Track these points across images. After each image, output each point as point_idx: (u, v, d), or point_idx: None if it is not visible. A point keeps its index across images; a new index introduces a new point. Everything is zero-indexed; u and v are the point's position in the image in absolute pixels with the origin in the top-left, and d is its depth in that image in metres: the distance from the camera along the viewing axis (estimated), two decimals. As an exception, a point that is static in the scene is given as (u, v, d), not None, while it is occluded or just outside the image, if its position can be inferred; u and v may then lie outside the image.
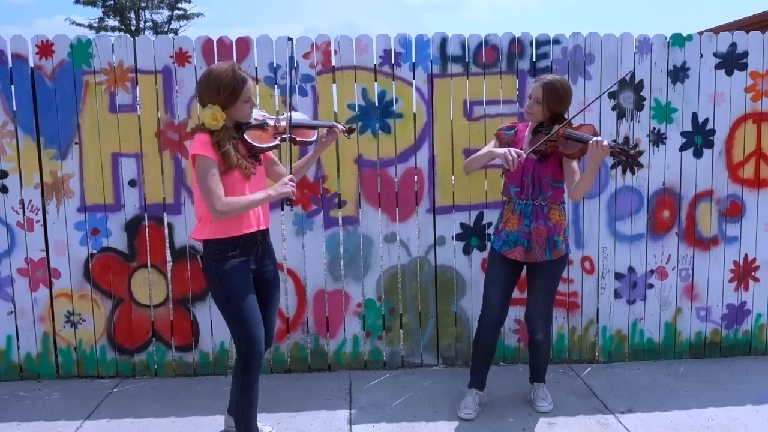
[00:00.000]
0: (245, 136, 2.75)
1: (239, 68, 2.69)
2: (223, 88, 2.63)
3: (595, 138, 2.96)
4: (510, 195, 3.22)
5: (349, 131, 3.11)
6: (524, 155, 3.03)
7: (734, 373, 3.81)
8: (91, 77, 3.62)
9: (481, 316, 3.28)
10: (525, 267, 3.31)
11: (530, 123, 3.26)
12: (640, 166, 3.85)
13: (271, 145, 2.82)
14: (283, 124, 2.87)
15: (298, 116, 3.01)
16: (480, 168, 3.43)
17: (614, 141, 3.46)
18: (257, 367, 2.74)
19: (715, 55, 3.83)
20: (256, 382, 2.77)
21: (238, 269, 2.72)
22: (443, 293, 3.91)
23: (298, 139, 2.92)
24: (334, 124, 3.08)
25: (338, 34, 3.72)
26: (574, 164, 3.18)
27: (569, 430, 3.15)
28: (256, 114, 2.86)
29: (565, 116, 3.19)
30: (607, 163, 3.85)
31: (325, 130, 3.06)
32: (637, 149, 2.99)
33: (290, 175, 2.75)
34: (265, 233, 2.88)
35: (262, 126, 2.81)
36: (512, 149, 3.04)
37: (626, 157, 2.97)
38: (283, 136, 2.84)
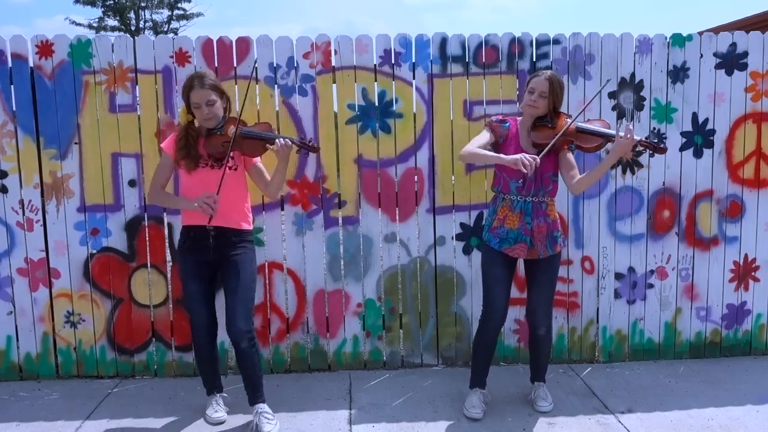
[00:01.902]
0: (206, 137, 3.08)
1: (202, 76, 3.04)
2: (182, 92, 3.09)
3: (625, 129, 2.97)
4: (509, 190, 3.17)
5: (305, 148, 3.08)
6: (538, 160, 2.98)
7: (734, 373, 3.81)
8: (91, 77, 3.62)
9: (484, 318, 3.25)
10: (522, 263, 3.31)
11: (521, 118, 3.24)
12: (640, 166, 3.85)
13: (214, 150, 3.07)
14: (232, 131, 3.06)
15: (255, 128, 3.14)
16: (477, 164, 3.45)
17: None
18: (199, 343, 3.22)
19: (715, 55, 3.83)
20: (199, 356, 3.29)
21: (183, 259, 3.18)
22: (443, 293, 3.91)
23: (242, 149, 3.10)
24: (281, 141, 3.03)
25: (338, 34, 3.72)
26: (570, 157, 3.19)
27: (569, 430, 3.15)
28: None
29: (562, 111, 3.21)
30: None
31: (274, 148, 3.05)
32: (662, 144, 3.01)
33: (212, 193, 2.99)
34: (221, 232, 3.10)
35: (217, 132, 3.07)
36: (525, 155, 2.97)
37: (653, 150, 3.01)
38: (225, 142, 3.05)
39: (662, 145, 3.00)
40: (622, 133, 2.98)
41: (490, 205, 3.32)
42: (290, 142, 3.06)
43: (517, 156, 2.99)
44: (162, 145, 3.21)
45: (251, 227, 3.27)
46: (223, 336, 3.77)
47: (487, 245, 3.27)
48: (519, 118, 3.27)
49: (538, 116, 3.16)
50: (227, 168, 3.06)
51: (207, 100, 3.00)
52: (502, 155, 3.09)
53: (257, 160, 3.22)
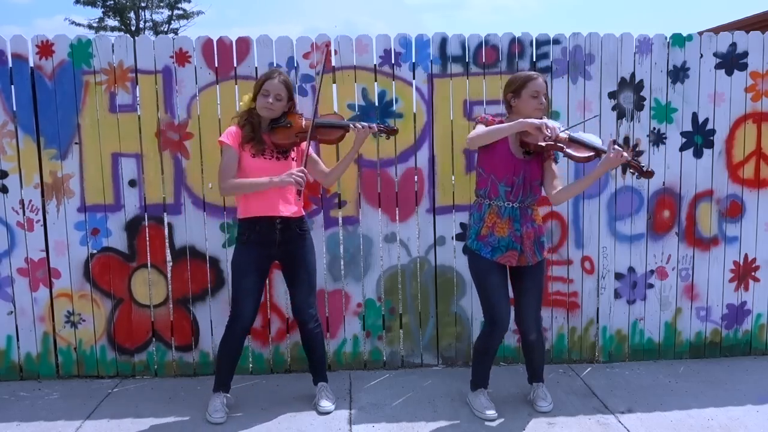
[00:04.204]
0: (271, 132, 3.19)
1: (277, 71, 3.22)
2: (258, 80, 3.24)
3: (616, 146, 2.95)
4: (498, 194, 3.10)
5: (385, 131, 3.28)
6: (558, 130, 2.96)
7: (734, 373, 3.81)
8: (91, 77, 3.62)
9: (491, 328, 3.19)
10: (509, 270, 3.25)
11: (508, 119, 3.17)
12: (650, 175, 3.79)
13: (288, 141, 3.19)
14: (305, 123, 3.18)
15: (327, 118, 3.33)
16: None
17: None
18: (234, 332, 3.27)
19: (715, 55, 3.83)
20: (227, 345, 3.28)
21: (245, 252, 3.23)
22: (443, 293, 3.91)
23: (318, 137, 3.25)
24: (361, 125, 3.23)
25: (338, 34, 3.72)
26: (554, 166, 3.17)
27: (569, 430, 3.15)
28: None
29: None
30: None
31: (354, 131, 3.23)
32: (649, 168, 3.02)
33: (302, 167, 3.12)
34: (287, 221, 3.21)
35: (286, 125, 3.20)
36: (549, 120, 2.95)
37: (639, 173, 3.01)
38: (302, 134, 3.18)
39: (649, 170, 2.99)
40: (618, 148, 2.95)
41: (474, 211, 3.24)
42: (373, 126, 3.23)
43: (542, 120, 2.95)
44: (222, 139, 3.20)
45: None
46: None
47: (476, 254, 3.17)
48: (503, 120, 3.20)
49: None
50: (291, 159, 3.22)
51: (277, 93, 3.17)
52: (522, 120, 2.97)
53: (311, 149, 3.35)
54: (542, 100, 3.09)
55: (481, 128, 3.09)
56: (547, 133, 2.93)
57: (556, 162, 3.24)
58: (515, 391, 3.56)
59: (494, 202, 3.12)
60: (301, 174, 3.10)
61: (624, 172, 3.85)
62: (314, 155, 3.40)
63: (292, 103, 3.29)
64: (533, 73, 3.16)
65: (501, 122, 3.15)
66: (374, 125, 3.25)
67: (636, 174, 3.05)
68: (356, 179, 3.79)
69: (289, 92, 3.23)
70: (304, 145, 3.24)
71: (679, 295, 3.99)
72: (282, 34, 3.95)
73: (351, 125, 3.23)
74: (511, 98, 3.16)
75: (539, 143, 2.99)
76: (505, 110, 3.25)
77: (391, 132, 3.30)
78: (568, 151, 3.04)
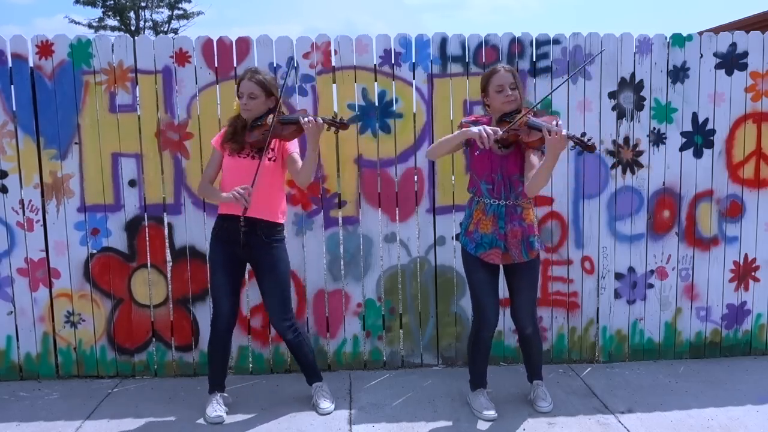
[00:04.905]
0: (249, 131, 3.19)
1: (255, 71, 3.21)
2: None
3: (553, 128, 2.87)
4: (482, 192, 3.13)
5: (333, 125, 3.10)
6: (500, 132, 2.93)
7: (734, 373, 3.81)
8: (91, 77, 3.62)
9: (479, 325, 3.23)
10: (502, 267, 3.26)
11: (492, 116, 3.19)
12: (640, 166, 3.85)
13: (254, 139, 3.17)
14: (269, 122, 3.16)
15: (289, 115, 3.27)
16: (447, 153, 3.33)
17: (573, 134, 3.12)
18: (216, 332, 3.29)
19: (715, 55, 3.83)
20: (212, 345, 3.31)
21: (213, 247, 3.30)
22: (443, 293, 3.91)
23: (279, 134, 3.18)
24: (307, 119, 3.08)
25: (338, 34, 3.72)
26: (534, 158, 3.11)
27: (569, 430, 3.15)
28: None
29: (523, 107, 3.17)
30: (608, 163, 3.85)
31: (304, 126, 3.09)
32: (592, 141, 2.94)
33: (245, 185, 3.07)
34: (252, 224, 3.17)
35: (258, 124, 3.18)
36: (486, 126, 2.94)
37: (583, 148, 2.89)
38: (264, 131, 3.15)
39: (591, 143, 2.89)
40: (554, 129, 2.86)
41: (467, 207, 3.29)
42: (320, 120, 3.10)
43: (477, 128, 2.94)
44: (212, 141, 3.38)
45: (283, 221, 3.31)
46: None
47: (464, 249, 3.23)
48: (491, 117, 3.20)
49: (505, 112, 3.10)
50: (267, 159, 3.18)
51: (250, 92, 3.15)
52: (464, 129, 3.04)
53: (293, 149, 3.28)
54: (508, 92, 3.07)
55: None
56: (480, 144, 2.93)
57: (544, 153, 3.18)
58: (515, 391, 3.56)
59: (481, 200, 3.16)
60: (240, 191, 3.04)
61: (617, 160, 3.84)
62: (294, 155, 3.26)
63: (274, 99, 3.22)
64: (496, 66, 3.15)
65: (488, 121, 3.17)
66: (320, 119, 3.08)
67: (581, 149, 2.93)
68: (356, 179, 3.79)
69: (266, 89, 3.17)
70: (274, 142, 3.21)
71: (679, 295, 3.99)
72: (282, 34, 3.96)
73: (300, 119, 3.11)
74: (484, 98, 3.21)
75: (504, 135, 2.98)
76: (485, 110, 3.28)
77: (340, 126, 3.11)
78: (522, 137, 3.02)
